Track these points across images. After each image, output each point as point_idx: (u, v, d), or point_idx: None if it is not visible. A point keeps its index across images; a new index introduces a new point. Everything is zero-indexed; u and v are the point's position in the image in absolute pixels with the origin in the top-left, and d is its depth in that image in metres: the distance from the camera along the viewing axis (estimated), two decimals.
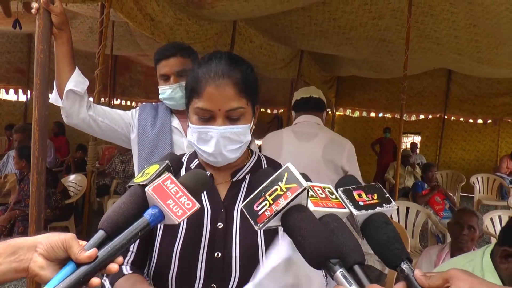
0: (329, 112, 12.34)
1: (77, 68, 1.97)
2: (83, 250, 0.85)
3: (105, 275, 1.16)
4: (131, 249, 1.23)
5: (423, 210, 4.94)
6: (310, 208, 0.90)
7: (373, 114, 12.89)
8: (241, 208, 1.24)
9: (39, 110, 1.85)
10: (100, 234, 0.89)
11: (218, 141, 1.20)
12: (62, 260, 0.85)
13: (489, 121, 11.35)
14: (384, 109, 12.38)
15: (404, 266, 0.85)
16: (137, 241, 1.21)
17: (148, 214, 0.92)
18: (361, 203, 0.93)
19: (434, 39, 6.27)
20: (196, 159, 1.36)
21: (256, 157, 1.39)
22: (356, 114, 13.30)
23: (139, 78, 12.08)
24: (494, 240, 4.48)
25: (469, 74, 9.12)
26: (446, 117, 11.33)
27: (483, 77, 9.56)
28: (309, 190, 0.92)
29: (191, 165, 1.35)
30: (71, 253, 0.84)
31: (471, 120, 11.61)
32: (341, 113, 13.43)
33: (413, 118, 12.26)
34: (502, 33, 5.62)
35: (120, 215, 0.91)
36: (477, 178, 8.74)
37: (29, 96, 10.54)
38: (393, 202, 0.95)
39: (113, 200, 4.98)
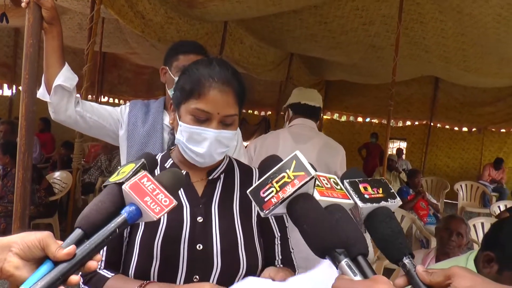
0: None
1: (66, 64, 1.93)
2: (61, 248, 0.82)
3: (81, 284, 1.19)
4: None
5: (408, 215, 4.98)
6: (316, 197, 0.90)
7: (360, 119, 12.97)
8: (218, 204, 1.30)
9: (27, 105, 1.82)
10: (77, 232, 0.88)
11: (211, 144, 1.24)
12: (38, 259, 0.83)
13: (474, 129, 11.51)
14: (371, 114, 12.47)
15: (406, 261, 0.85)
16: (107, 250, 1.24)
17: (125, 212, 0.91)
18: (366, 196, 0.93)
19: (422, 46, 6.34)
20: (170, 159, 1.37)
21: (228, 159, 1.43)
22: (344, 118, 13.37)
23: (128, 76, 11.98)
24: (476, 246, 4.53)
25: (456, 82, 9.23)
26: (432, 124, 11.44)
27: (469, 86, 9.68)
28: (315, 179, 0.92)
29: (165, 165, 1.36)
30: (49, 251, 0.82)
31: (456, 128, 11.76)
32: (329, 117, 13.48)
33: (400, 124, 12.36)
34: (488, 43, 5.71)
35: (97, 213, 0.91)
36: (461, 185, 8.84)
37: (14, 91, 10.40)
38: (398, 198, 0.96)
39: None
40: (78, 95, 2.07)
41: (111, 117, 2.12)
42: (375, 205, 0.93)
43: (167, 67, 2.12)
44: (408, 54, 6.67)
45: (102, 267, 1.23)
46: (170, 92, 2.09)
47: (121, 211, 0.92)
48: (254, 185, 0.90)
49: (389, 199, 0.94)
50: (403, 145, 13.04)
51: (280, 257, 1.34)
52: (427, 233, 4.93)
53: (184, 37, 6.11)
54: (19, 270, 0.81)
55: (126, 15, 5.04)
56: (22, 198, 1.81)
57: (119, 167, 1.08)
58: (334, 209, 0.91)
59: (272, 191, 0.88)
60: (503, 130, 11.30)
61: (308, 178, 0.87)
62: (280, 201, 0.87)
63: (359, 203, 0.92)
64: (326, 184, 0.95)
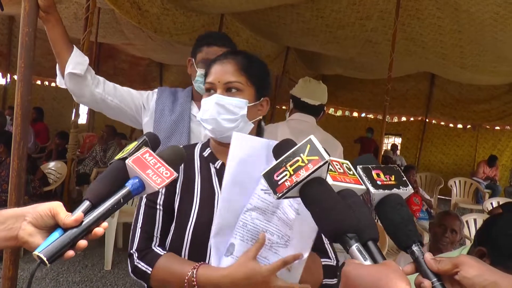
0: None
1: (75, 48, 1.94)
2: (70, 215, 0.90)
3: (136, 258, 1.29)
4: (155, 234, 1.34)
5: None
6: (329, 181, 0.91)
7: (355, 114, 12.98)
8: None
9: (22, 93, 1.80)
10: (85, 204, 0.94)
11: (213, 108, 1.35)
12: (50, 227, 0.90)
13: (469, 126, 11.55)
14: (367, 110, 12.47)
15: (415, 248, 0.87)
16: (160, 226, 1.34)
17: (129, 184, 0.98)
18: (378, 182, 0.95)
19: (419, 42, 6.34)
20: (209, 148, 1.46)
21: None
22: (339, 113, 13.37)
23: (123, 67, 11.92)
24: (468, 242, 4.57)
25: (452, 79, 9.24)
26: (427, 120, 11.47)
27: (465, 83, 9.70)
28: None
29: (203, 154, 1.44)
30: (58, 219, 0.89)
31: (451, 125, 11.79)
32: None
33: (395, 119, 12.38)
34: (485, 41, 5.72)
35: (103, 185, 0.97)
36: (454, 182, 8.89)
37: (9, 79, 10.33)
38: (410, 186, 0.97)
39: None
40: (101, 77, 2.08)
41: (133, 102, 2.13)
42: (387, 191, 0.94)
43: (193, 59, 2.12)
44: (405, 50, 6.66)
45: (156, 244, 1.32)
46: (194, 84, 2.11)
47: (126, 184, 0.98)
48: (268, 168, 0.91)
49: (401, 187, 0.96)
50: (398, 140, 13.08)
51: None
52: (420, 229, 4.96)
53: (180, 29, 6.08)
54: (33, 237, 0.89)
55: (122, 5, 5.01)
56: (17, 187, 1.80)
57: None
58: (347, 194, 0.92)
59: (286, 174, 0.89)
60: (497, 128, 11.35)
61: (322, 163, 0.88)
62: (293, 184, 0.88)
63: (371, 189, 0.94)
64: (339, 169, 0.97)
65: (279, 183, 0.89)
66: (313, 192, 0.88)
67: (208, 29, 6.57)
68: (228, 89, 1.36)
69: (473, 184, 9.06)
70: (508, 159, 11.49)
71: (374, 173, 0.97)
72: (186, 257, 1.28)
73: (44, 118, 9.49)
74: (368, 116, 12.84)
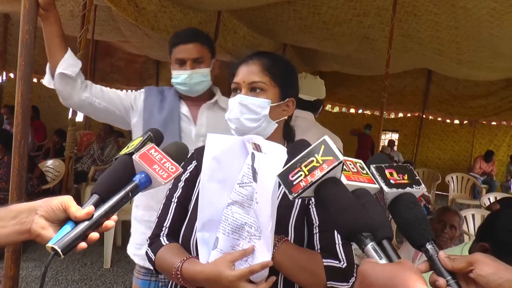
0: None
1: (69, 50, 1.93)
2: (81, 209, 0.93)
3: (148, 245, 1.40)
4: (165, 224, 1.42)
5: None
6: (343, 181, 0.92)
7: (353, 110, 12.99)
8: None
9: (23, 92, 1.80)
10: (94, 197, 0.98)
11: (237, 108, 1.39)
12: (61, 221, 0.94)
13: (465, 122, 11.57)
14: (364, 106, 12.47)
15: (429, 246, 0.87)
16: (171, 218, 1.42)
17: (136, 178, 1.02)
18: (392, 181, 0.96)
19: (416, 39, 6.34)
20: None
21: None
22: (336, 109, 13.38)
23: (120, 65, 11.87)
24: (467, 238, 4.59)
25: (449, 75, 9.24)
26: (424, 116, 11.47)
27: (462, 79, 9.71)
28: None
29: None
30: (70, 212, 0.93)
31: (448, 120, 11.82)
32: None
33: (392, 116, 12.39)
34: (482, 37, 5.73)
35: (111, 179, 1.01)
36: (452, 177, 8.93)
37: (4, 77, 10.28)
38: (422, 185, 0.98)
39: (91, 187, 4.93)
40: (88, 81, 2.06)
41: (121, 103, 2.11)
42: (400, 190, 0.95)
43: (172, 61, 2.13)
44: (402, 46, 6.66)
45: (164, 234, 1.40)
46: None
47: (133, 178, 1.02)
48: (283, 169, 0.93)
49: (414, 185, 0.97)
50: (395, 136, 13.10)
51: (319, 246, 1.32)
52: None
53: (177, 26, 6.06)
54: (45, 230, 0.92)
55: (119, 3, 4.99)
56: (18, 186, 1.80)
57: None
58: (361, 193, 0.93)
59: (301, 174, 0.90)
60: (493, 123, 11.39)
61: (336, 163, 0.89)
62: (308, 184, 0.89)
63: (385, 188, 0.94)
64: (353, 168, 0.98)
65: (294, 183, 0.90)
66: (328, 192, 0.89)
67: (205, 27, 6.55)
68: (253, 89, 1.40)
69: (470, 179, 9.10)
70: (505, 154, 11.55)
71: (387, 172, 0.98)
72: (194, 249, 1.33)
73: (41, 116, 9.46)
74: (365, 112, 12.85)
